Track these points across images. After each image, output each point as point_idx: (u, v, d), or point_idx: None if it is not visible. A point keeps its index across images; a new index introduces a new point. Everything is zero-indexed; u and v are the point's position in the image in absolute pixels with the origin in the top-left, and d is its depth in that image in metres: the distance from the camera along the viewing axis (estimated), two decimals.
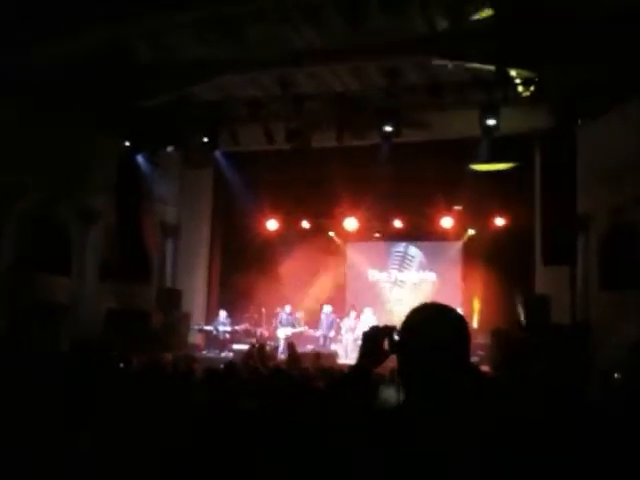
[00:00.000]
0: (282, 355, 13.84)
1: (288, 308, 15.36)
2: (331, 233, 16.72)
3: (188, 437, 4.08)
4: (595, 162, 12.43)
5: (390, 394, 2.49)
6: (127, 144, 14.11)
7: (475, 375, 1.88)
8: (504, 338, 12.49)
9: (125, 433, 4.18)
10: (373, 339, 1.83)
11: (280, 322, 15.16)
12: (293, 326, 15.17)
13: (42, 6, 10.21)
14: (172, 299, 15.79)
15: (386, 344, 1.80)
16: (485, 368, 11.43)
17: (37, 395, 4.70)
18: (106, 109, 13.37)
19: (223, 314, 15.50)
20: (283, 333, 14.90)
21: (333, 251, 16.77)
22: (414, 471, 1.60)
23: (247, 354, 11.81)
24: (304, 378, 6.34)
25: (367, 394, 1.80)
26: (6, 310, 13.93)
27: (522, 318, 12.76)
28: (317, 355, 12.24)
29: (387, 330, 1.82)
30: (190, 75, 13.02)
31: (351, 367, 1.87)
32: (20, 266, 14.36)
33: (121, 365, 8.88)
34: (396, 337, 1.79)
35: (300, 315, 15.78)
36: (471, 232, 15.61)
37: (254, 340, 14.46)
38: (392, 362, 1.88)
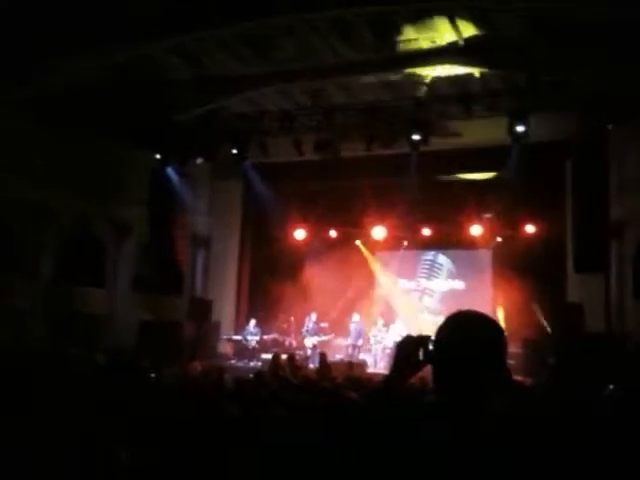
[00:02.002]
0: (311, 365, 13.83)
1: (314, 316, 15.37)
2: (358, 242, 16.73)
3: (219, 447, 4.12)
4: (628, 167, 12.23)
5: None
6: (158, 157, 14.32)
7: (511, 384, 1.87)
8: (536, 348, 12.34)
9: (156, 443, 4.24)
10: (407, 349, 1.82)
11: (307, 331, 15.17)
12: (319, 335, 15.18)
13: (76, 22, 10.46)
14: (203, 309, 15.94)
15: (421, 354, 1.79)
16: (517, 377, 11.29)
17: (73, 404, 4.79)
18: (137, 124, 13.63)
19: (252, 323, 15.58)
20: (310, 342, 14.92)
21: (361, 260, 16.75)
22: None
23: (274, 364, 11.79)
24: (335, 389, 6.33)
25: (401, 405, 1.80)
26: (44, 321, 14.25)
27: (547, 327, 12.58)
28: (349, 365, 12.19)
29: (422, 340, 1.81)
30: (221, 89, 13.20)
31: (384, 377, 1.86)
32: (57, 279, 14.69)
33: (152, 375, 9.00)
34: (431, 347, 1.78)
35: (324, 324, 15.76)
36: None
37: (279, 350, 14.46)
38: (422, 372, 1.86)
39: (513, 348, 13.67)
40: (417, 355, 1.79)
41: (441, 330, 1.78)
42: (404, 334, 1.92)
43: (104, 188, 14.98)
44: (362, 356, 14.95)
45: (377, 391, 1.88)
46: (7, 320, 13.49)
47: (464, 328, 1.76)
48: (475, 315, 1.80)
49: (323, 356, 12.44)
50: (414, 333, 1.87)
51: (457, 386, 1.70)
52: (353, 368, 11.90)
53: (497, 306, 14.88)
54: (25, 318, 13.97)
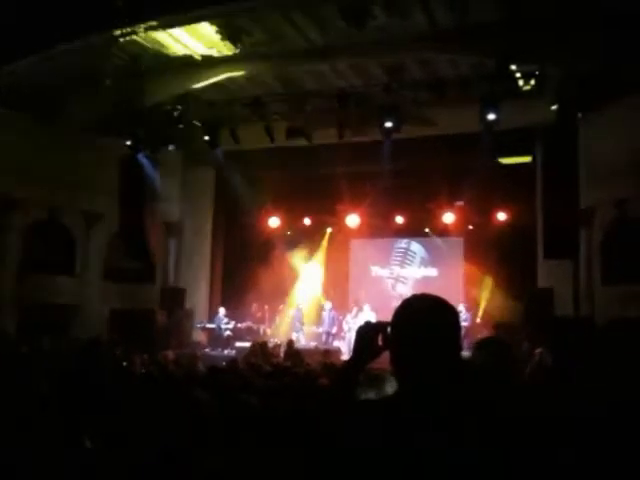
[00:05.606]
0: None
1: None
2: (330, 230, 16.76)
3: (191, 435, 4.10)
4: (598, 155, 12.39)
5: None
6: (128, 144, 14.08)
7: (466, 366, 1.88)
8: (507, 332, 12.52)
9: (128, 431, 4.20)
10: (366, 335, 1.83)
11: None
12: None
13: (38, 9, 10.22)
14: (175, 298, 15.83)
15: (380, 340, 1.80)
16: None
17: (42, 395, 4.73)
18: (107, 111, 13.39)
19: (222, 312, 15.53)
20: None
21: (335, 248, 16.77)
22: (409, 465, 1.61)
23: (250, 352, 11.81)
24: (306, 374, 6.34)
25: (360, 390, 1.80)
26: (14, 311, 14.01)
27: None
28: (325, 352, 12.27)
29: (381, 325, 1.82)
30: (192, 75, 13.01)
31: (344, 363, 1.86)
32: (26, 269, 14.44)
33: (124, 364, 8.92)
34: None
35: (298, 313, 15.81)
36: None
37: (256, 338, 14.47)
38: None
39: (485, 334, 13.88)
40: (376, 341, 1.80)
41: (396, 315, 1.78)
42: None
43: (73, 177, 14.71)
44: (336, 343, 15.03)
45: (338, 377, 1.88)
46: None
47: (417, 312, 1.76)
48: (428, 298, 1.80)
49: (290, 343, 12.49)
50: (386, 320, 1.86)
51: (412, 370, 1.70)
52: (328, 355, 11.96)
53: (474, 292, 15.06)
54: None
